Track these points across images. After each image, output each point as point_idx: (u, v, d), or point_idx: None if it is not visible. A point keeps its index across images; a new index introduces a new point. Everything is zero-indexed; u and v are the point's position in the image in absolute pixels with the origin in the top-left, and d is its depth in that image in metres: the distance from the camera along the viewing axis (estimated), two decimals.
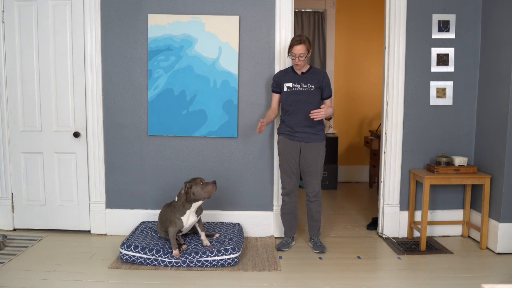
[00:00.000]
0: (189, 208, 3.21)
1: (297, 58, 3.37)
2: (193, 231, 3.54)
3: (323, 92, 3.50)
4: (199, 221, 3.38)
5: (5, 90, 3.82)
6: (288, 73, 3.50)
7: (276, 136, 3.80)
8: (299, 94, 3.43)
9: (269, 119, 3.53)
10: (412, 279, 3.06)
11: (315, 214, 3.60)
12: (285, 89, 3.47)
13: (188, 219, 3.23)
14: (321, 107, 3.32)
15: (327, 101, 3.55)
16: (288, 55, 3.45)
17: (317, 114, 3.28)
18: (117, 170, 3.88)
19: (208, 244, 3.33)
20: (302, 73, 3.48)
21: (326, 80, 3.51)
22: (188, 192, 3.18)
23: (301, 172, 3.58)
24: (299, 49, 3.35)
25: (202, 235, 3.38)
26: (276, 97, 3.59)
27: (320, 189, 3.56)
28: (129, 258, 3.24)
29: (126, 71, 3.80)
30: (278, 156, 3.61)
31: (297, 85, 3.44)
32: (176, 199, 3.26)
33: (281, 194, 3.63)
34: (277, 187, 3.87)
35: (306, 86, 3.44)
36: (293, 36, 3.74)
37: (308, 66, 3.53)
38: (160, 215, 3.40)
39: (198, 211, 3.31)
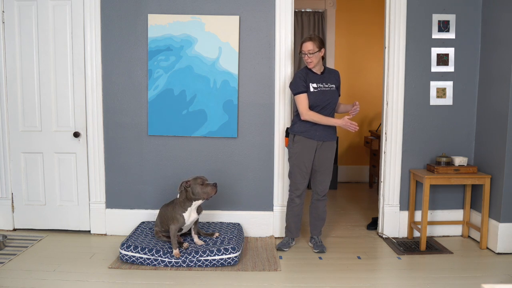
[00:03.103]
0: (190, 206, 3.23)
1: (306, 55, 3.38)
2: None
3: (337, 91, 3.55)
4: (196, 221, 3.39)
5: (5, 90, 3.82)
6: (309, 74, 3.47)
7: (278, 136, 3.80)
8: (325, 94, 3.43)
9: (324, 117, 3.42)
10: (412, 279, 3.06)
11: (322, 213, 3.61)
12: (311, 89, 3.42)
13: (190, 215, 3.24)
14: (354, 106, 3.43)
15: (339, 100, 3.61)
16: (299, 54, 3.46)
17: (356, 111, 3.44)
18: (117, 170, 3.88)
19: (201, 243, 3.34)
20: (322, 73, 3.49)
21: (340, 79, 3.58)
22: (187, 190, 3.19)
23: (312, 171, 3.57)
24: (307, 45, 3.38)
25: (195, 238, 3.40)
26: (306, 97, 3.39)
27: (328, 188, 3.60)
28: (129, 259, 3.24)
29: (126, 71, 3.80)
30: (292, 156, 3.51)
31: (321, 85, 3.44)
32: (178, 195, 3.27)
33: (294, 196, 3.56)
34: (277, 187, 3.87)
35: (327, 86, 3.46)
36: (293, 36, 3.75)
37: (323, 67, 3.54)
38: (160, 215, 3.40)
39: (198, 210, 3.32)
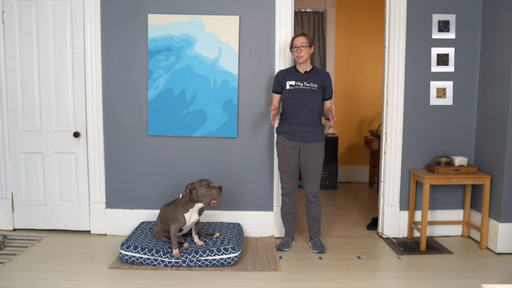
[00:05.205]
0: (191, 207, 3.23)
1: (299, 48, 3.38)
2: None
3: (325, 93, 3.50)
4: (196, 222, 3.39)
5: (5, 90, 3.82)
6: (291, 72, 3.50)
7: (275, 136, 3.80)
8: (301, 93, 3.42)
9: (277, 108, 3.48)
10: (412, 279, 3.06)
11: (315, 215, 3.59)
12: (287, 87, 3.45)
13: (191, 216, 3.24)
14: (331, 108, 3.28)
15: (328, 102, 3.54)
16: (291, 51, 3.45)
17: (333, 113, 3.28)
18: (117, 170, 3.88)
19: (201, 243, 3.35)
20: (306, 72, 3.48)
21: (329, 80, 3.51)
22: (191, 192, 3.19)
23: (300, 172, 3.58)
24: (300, 39, 3.40)
25: (195, 238, 3.40)
26: (276, 97, 3.56)
27: (319, 190, 3.56)
28: (129, 259, 3.24)
29: (126, 71, 3.80)
30: (277, 156, 3.60)
31: (300, 83, 3.43)
32: (181, 196, 3.27)
33: (281, 195, 3.62)
34: (277, 187, 3.87)
35: (309, 85, 3.43)
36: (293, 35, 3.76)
37: (311, 66, 3.53)
38: (160, 214, 3.40)
39: (200, 211, 3.32)
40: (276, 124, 3.71)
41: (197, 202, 3.21)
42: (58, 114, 3.85)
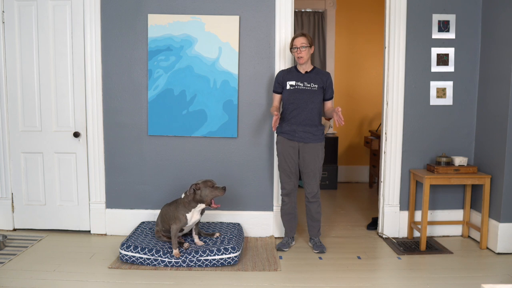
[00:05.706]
0: (194, 207, 3.23)
1: (298, 49, 3.37)
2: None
3: (326, 93, 3.50)
4: (197, 223, 3.39)
5: (5, 90, 3.82)
6: (291, 72, 3.50)
7: (275, 136, 3.80)
8: (302, 93, 3.42)
9: (278, 109, 3.51)
10: (412, 279, 3.06)
11: (315, 215, 3.59)
12: (287, 87, 3.45)
13: (192, 217, 3.24)
14: (337, 111, 3.18)
15: (329, 103, 3.54)
16: (291, 51, 3.45)
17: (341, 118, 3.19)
18: (117, 170, 3.88)
19: (201, 243, 3.35)
20: (306, 72, 3.48)
21: (330, 81, 3.51)
22: (195, 192, 3.19)
23: (300, 172, 3.57)
24: (300, 39, 3.40)
25: (196, 238, 3.40)
26: (277, 97, 3.57)
27: (318, 190, 3.55)
28: (129, 259, 3.24)
29: (126, 71, 3.80)
30: (277, 156, 3.60)
31: (300, 84, 3.43)
32: (183, 196, 3.27)
33: (281, 195, 3.62)
34: (277, 187, 3.87)
35: (309, 85, 3.43)
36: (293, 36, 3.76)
37: (312, 66, 3.53)
38: (161, 214, 3.40)
39: (202, 211, 3.32)
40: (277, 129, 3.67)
41: (200, 203, 3.21)
42: (58, 114, 3.85)
